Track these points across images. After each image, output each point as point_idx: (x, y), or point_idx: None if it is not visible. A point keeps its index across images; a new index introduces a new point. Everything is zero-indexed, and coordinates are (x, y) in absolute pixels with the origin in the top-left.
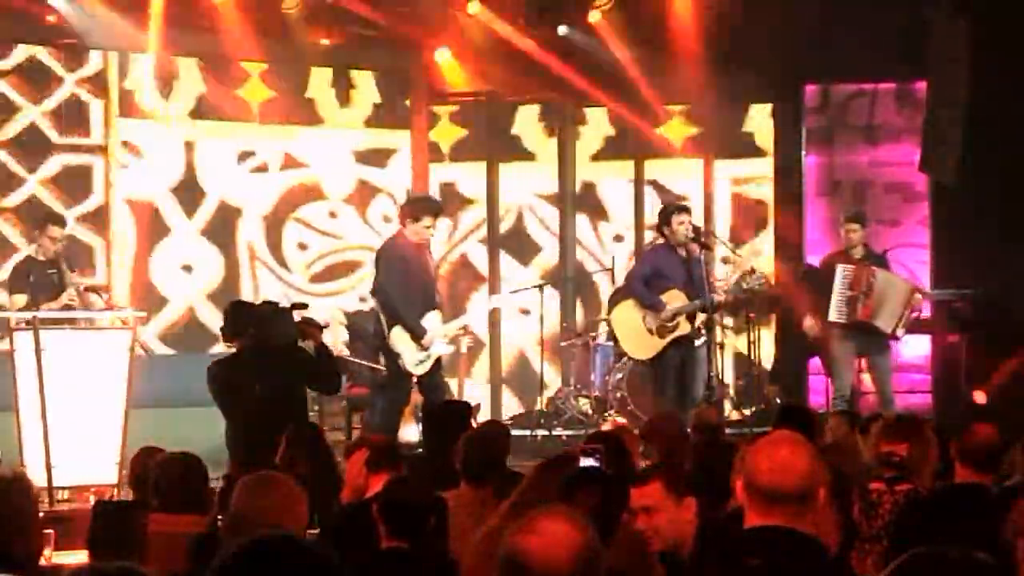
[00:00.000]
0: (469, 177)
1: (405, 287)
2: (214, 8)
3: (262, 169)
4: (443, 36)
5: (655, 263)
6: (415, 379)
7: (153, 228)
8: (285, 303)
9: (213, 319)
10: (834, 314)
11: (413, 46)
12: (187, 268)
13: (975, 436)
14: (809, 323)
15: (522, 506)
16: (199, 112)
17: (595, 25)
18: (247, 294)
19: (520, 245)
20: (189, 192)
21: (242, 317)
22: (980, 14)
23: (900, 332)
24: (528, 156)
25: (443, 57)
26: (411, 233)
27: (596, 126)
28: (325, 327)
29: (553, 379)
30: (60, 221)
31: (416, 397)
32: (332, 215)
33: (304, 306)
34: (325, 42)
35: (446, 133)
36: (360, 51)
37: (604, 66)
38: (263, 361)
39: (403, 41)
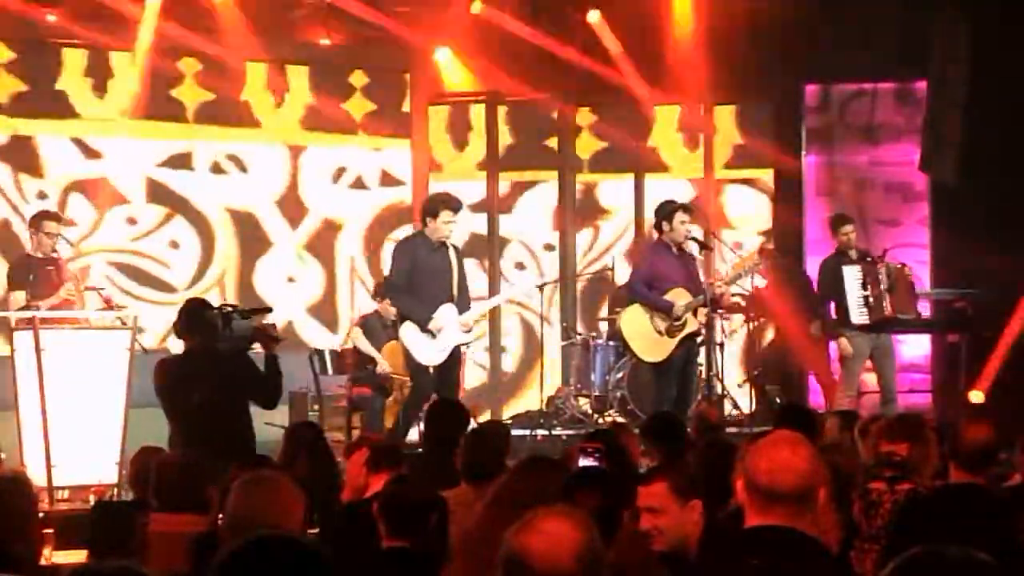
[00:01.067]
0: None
1: (409, 282)
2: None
3: (360, 185)
4: (444, 36)
5: (654, 263)
6: (432, 370)
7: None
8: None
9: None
10: (856, 316)
11: (413, 46)
12: (291, 280)
13: (967, 436)
14: (816, 328)
15: (498, 505)
16: (308, 123)
17: (594, 25)
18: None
19: None
20: (292, 204)
21: (194, 318)
22: (980, 14)
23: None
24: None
25: (443, 57)
26: (431, 231)
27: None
28: (281, 339)
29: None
30: (55, 217)
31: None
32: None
33: (267, 310)
34: (325, 42)
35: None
36: (360, 51)
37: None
38: (207, 366)
39: (403, 41)
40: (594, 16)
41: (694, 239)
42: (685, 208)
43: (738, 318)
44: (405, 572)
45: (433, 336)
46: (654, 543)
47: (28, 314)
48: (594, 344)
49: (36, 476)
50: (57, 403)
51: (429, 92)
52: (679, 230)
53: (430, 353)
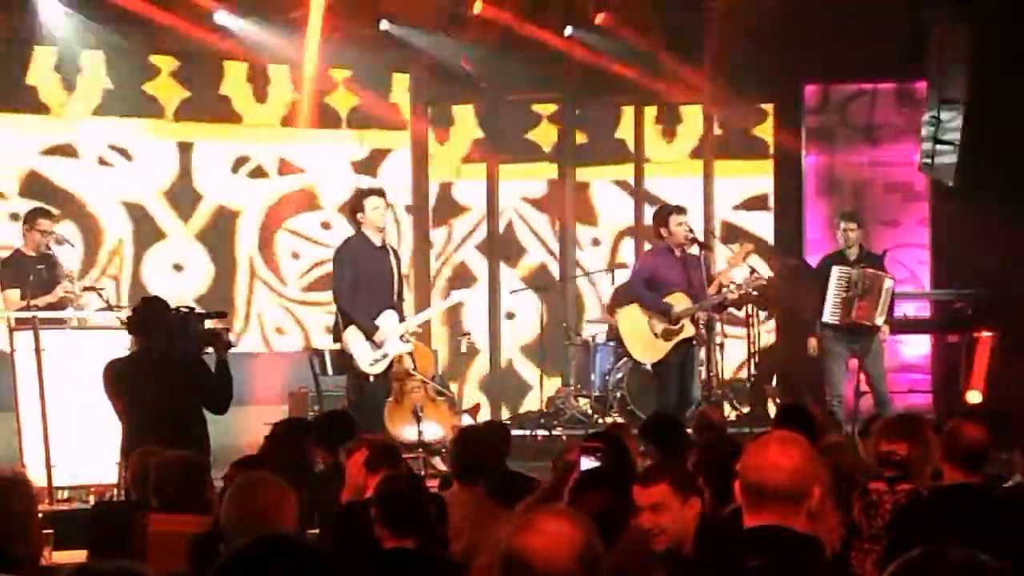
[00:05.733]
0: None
1: (355, 287)
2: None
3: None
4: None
5: (654, 266)
6: (372, 378)
7: None
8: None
9: None
10: (828, 316)
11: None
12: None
13: (961, 436)
14: (813, 344)
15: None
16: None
17: (600, 24)
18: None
19: None
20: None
21: (150, 320)
22: (980, 15)
23: (879, 320)
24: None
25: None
26: (368, 225)
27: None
28: (234, 344)
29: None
30: (49, 215)
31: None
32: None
33: (222, 315)
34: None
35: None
36: (360, 51)
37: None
38: (159, 368)
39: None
40: (599, 16)
41: (694, 239)
42: (680, 210)
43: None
44: (409, 573)
45: (377, 346)
46: (656, 542)
47: (28, 314)
48: (594, 344)
49: (36, 476)
50: (57, 403)
51: (428, 91)
52: (677, 232)
53: (372, 363)
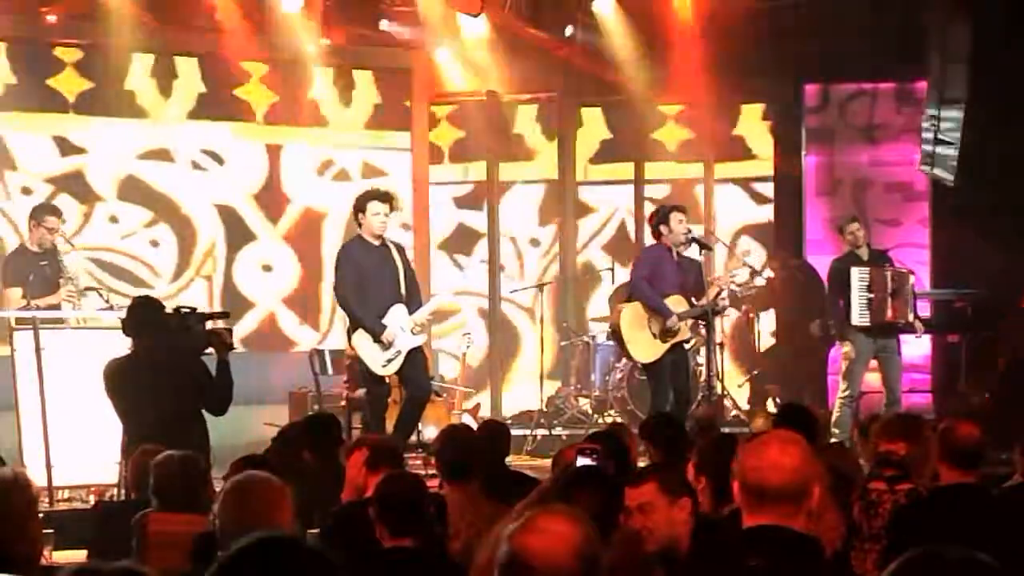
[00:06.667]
0: None
1: (359, 288)
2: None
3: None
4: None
5: (653, 264)
6: (388, 379)
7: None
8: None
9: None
10: (857, 318)
11: (413, 46)
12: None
13: (956, 435)
14: (815, 327)
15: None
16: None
17: (598, 24)
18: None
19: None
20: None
21: (145, 320)
22: (980, 14)
23: (911, 317)
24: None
25: (443, 57)
26: (366, 229)
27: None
28: (234, 347)
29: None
30: (57, 212)
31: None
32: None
33: (224, 315)
34: (325, 42)
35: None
36: (360, 51)
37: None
38: (155, 369)
39: (403, 41)
40: (597, 15)
41: (694, 239)
42: (681, 209)
43: (737, 317)
44: (409, 572)
45: (386, 346)
46: (646, 542)
47: (28, 314)
48: (594, 344)
49: (36, 476)
50: (57, 403)
51: (430, 91)
52: (678, 231)
53: (384, 364)
